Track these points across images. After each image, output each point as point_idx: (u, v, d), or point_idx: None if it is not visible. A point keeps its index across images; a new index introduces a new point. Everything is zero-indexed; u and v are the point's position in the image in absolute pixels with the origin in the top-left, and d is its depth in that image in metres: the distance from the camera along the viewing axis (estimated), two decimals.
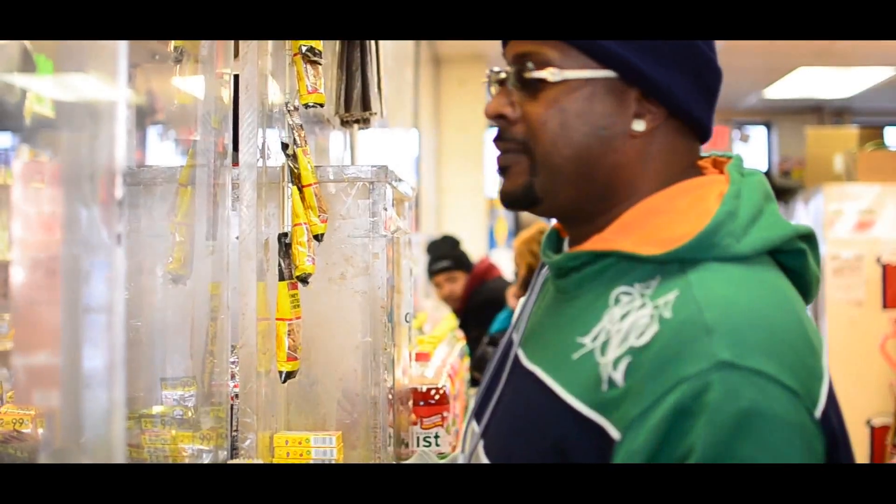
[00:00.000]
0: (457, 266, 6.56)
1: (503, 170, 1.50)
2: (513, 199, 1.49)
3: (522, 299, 1.69)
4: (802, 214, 8.75)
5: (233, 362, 2.02)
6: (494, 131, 1.51)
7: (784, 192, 9.98)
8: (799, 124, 12.17)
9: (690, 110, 1.44)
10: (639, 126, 1.42)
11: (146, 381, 2.12)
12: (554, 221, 1.60)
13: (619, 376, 1.28)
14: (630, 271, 1.38)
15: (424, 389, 2.65)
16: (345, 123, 2.61)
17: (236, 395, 2.01)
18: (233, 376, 2.02)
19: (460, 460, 1.62)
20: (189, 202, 2.04)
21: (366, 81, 2.50)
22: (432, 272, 6.65)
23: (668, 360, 1.25)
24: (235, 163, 2.04)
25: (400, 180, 2.38)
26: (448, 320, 4.72)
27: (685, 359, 1.24)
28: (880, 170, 8.54)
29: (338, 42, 2.50)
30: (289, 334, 1.99)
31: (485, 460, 1.50)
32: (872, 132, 9.40)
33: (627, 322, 1.32)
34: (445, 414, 2.66)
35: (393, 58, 6.13)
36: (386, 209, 2.18)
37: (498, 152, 1.50)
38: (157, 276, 2.13)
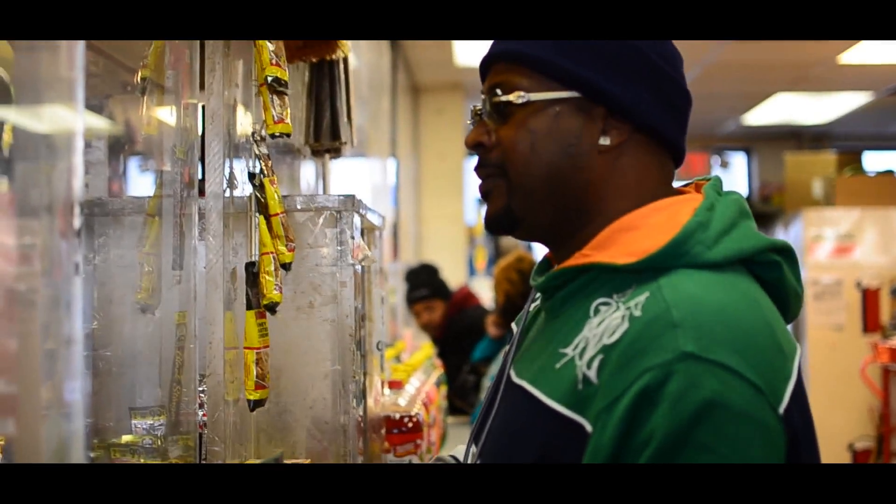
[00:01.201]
0: (435, 294, 6.57)
1: (485, 195, 1.56)
2: (495, 223, 1.56)
3: (514, 326, 1.72)
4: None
5: (201, 391, 2.02)
6: (475, 161, 1.57)
7: (764, 218, 10.03)
8: (778, 150, 12.20)
9: (654, 124, 1.50)
10: (605, 141, 1.48)
11: (116, 411, 2.12)
12: (542, 249, 1.64)
13: (592, 374, 1.33)
14: (608, 283, 1.42)
15: (398, 417, 2.65)
16: (316, 153, 2.62)
17: (205, 424, 2.00)
18: (201, 405, 2.01)
19: None
20: (157, 232, 2.05)
21: (335, 111, 2.52)
22: (411, 301, 6.65)
23: (636, 353, 1.30)
24: (203, 193, 2.05)
25: (369, 209, 2.39)
26: (425, 349, 4.72)
27: (651, 351, 1.29)
28: (858, 194, 8.59)
29: (307, 72, 2.51)
30: (257, 363, 1.99)
31: None
32: (850, 157, 9.46)
33: (603, 326, 1.36)
34: (419, 441, 2.66)
35: (369, 87, 6.15)
36: (353, 238, 2.19)
37: (479, 180, 1.57)
38: (127, 306, 2.14)
